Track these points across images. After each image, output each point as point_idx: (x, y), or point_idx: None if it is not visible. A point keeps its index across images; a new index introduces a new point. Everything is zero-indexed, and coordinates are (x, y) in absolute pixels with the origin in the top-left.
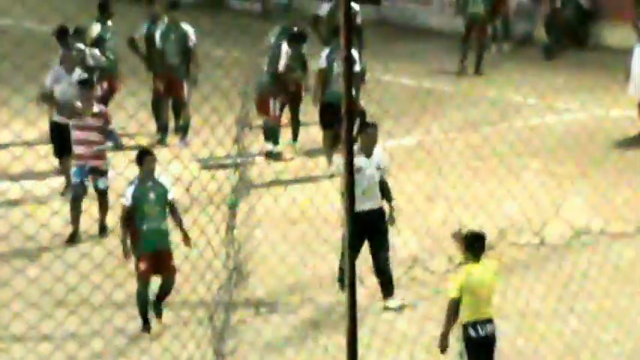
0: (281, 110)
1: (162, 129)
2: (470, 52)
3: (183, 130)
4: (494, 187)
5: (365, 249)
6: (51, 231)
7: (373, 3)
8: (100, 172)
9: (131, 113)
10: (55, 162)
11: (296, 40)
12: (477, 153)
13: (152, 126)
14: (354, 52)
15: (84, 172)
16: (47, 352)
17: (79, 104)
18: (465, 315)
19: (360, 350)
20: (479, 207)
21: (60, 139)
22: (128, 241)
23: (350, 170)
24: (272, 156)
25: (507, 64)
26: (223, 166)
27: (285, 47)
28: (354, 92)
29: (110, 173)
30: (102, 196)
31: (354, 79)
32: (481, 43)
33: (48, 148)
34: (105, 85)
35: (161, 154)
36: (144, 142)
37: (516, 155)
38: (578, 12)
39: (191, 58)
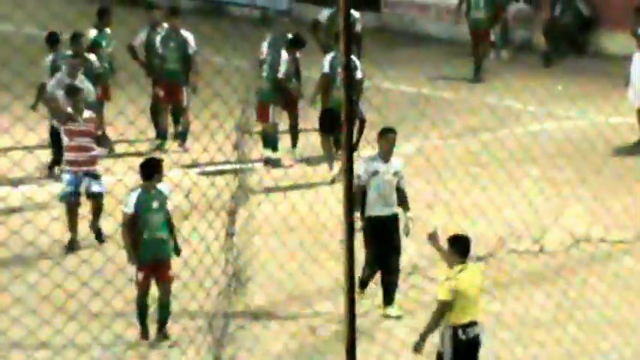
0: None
1: (162, 135)
2: (470, 58)
3: (182, 136)
4: (494, 194)
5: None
6: (50, 237)
7: (372, 10)
8: (94, 176)
9: (131, 120)
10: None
11: (295, 45)
12: (476, 160)
13: (151, 132)
14: (356, 59)
15: (77, 180)
16: (46, 359)
17: (69, 110)
18: (454, 318)
19: (359, 357)
20: (478, 214)
21: (59, 144)
22: (132, 249)
23: (350, 176)
24: (271, 163)
25: (506, 71)
26: (223, 173)
27: (285, 55)
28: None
29: (110, 179)
30: (96, 199)
31: (355, 85)
32: (482, 49)
33: (48, 153)
34: (99, 91)
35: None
36: (143, 148)
37: (516, 162)
38: (578, 19)
39: (191, 65)
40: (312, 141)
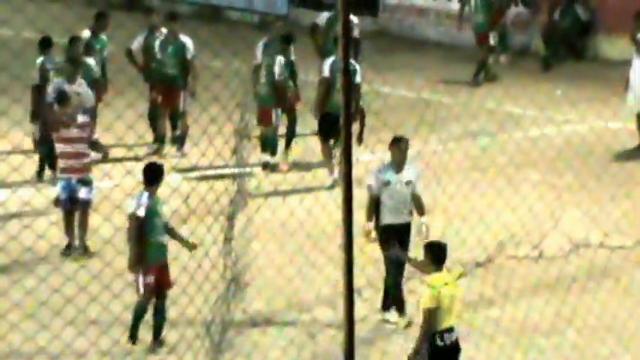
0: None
1: (159, 140)
2: (469, 62)
3: (180, 141)
4: (493, 199)
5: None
6: (49, 242)
7: (371, 14)
8: (83, 182)
9: (129, 124)
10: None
11: (286, 41)
12: (475, 164)
13: (150, 137)
14: (355, 64)
15: (71, 186)
16: None
17: (63, 117)
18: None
19: None
20: (477, 218)
21: (51, 149)
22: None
23: (349, 182)
24: (269, 167)
25: (505, 76)
26: (221, 177)
27: (279, 58)
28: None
29: (108, 184)
30: (83, 206)
31: (354, 89)
32: (481, 53)
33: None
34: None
35: None
36: (141, 152)
37: (515, 167)
38: (577, 24)
39: (189, 69)
40: (311, 145)
